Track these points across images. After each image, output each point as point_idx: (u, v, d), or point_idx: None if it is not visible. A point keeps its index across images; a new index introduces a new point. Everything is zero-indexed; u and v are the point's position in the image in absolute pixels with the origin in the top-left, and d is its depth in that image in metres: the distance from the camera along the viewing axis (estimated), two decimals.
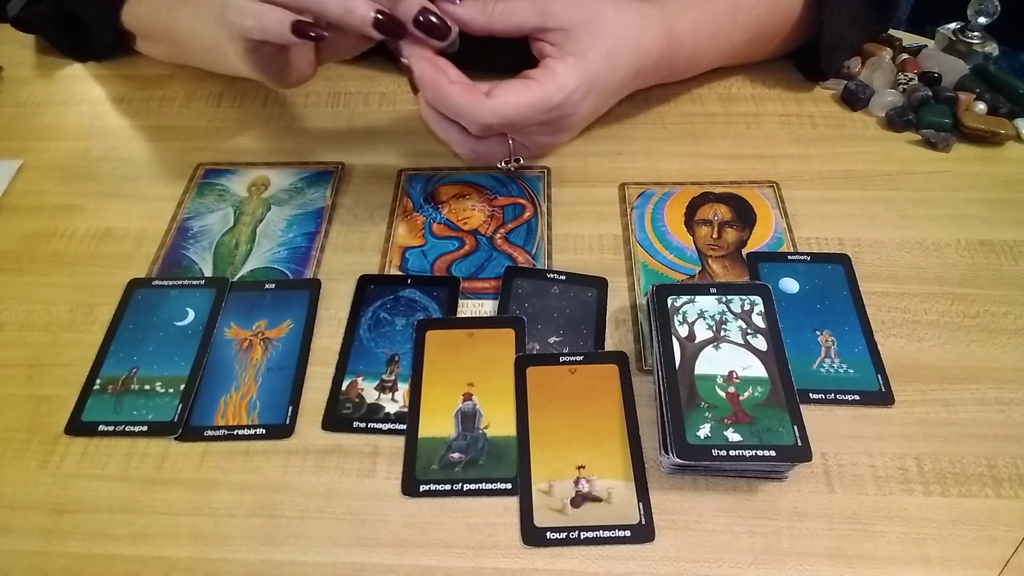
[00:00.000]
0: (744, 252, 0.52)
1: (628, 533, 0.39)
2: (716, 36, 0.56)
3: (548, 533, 0.39)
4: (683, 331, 0.43)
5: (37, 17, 0.67)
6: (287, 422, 0.44)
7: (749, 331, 0.43)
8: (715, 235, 0.53)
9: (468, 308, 0.49)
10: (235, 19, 0.44)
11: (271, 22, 0.44)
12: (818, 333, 0.47)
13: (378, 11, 0.43)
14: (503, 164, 0.53)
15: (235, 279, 0.51)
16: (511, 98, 0.46)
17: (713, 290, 0.45)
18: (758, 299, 0.45)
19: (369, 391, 0.45)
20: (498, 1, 0.47)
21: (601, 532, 0.39)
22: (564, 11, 0.47)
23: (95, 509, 0.41)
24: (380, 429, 0.44)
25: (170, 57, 0.66)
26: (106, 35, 0.65)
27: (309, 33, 0.44)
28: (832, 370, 0.45)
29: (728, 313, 0.44)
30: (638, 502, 0.40)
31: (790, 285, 0.49)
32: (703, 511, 0.40)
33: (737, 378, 0.41)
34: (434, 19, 0.44)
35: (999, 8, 0.62)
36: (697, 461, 0.39)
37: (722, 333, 0.43)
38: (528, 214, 0.55)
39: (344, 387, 0.45)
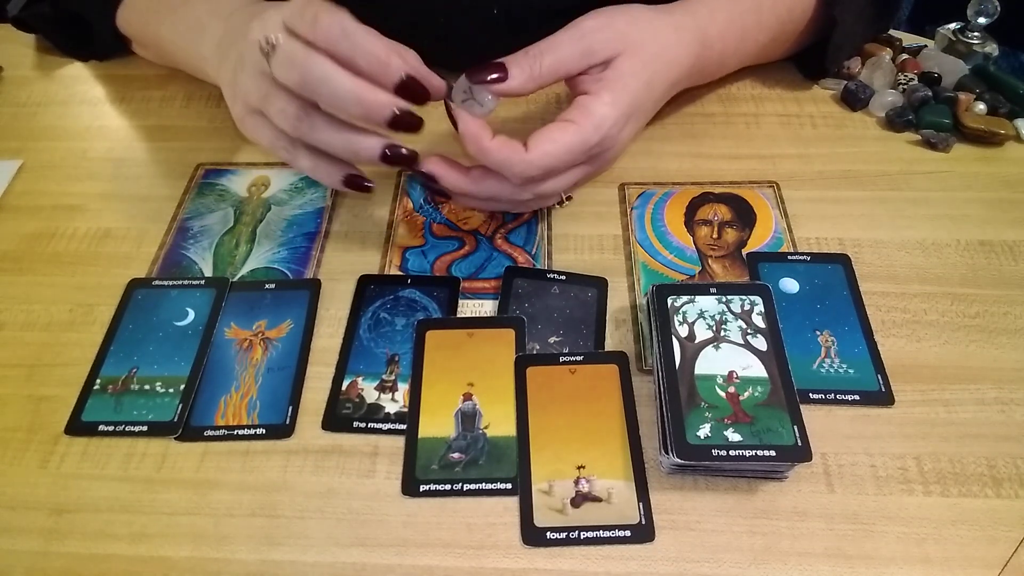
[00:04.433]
0: (744, 252, 0.52)
1: (628, 533, 0.39)
2: (743, 38, 0.56)
3: (548, 533, 0.39)
4: (683, 331, 0.43)
5: (38, 17, 0.67)
6: (287, 422, 0.44)
7: (749, 331, 0.43)
8: (715, 235, 0.53)
9: (468, 308, 0.49)
10: (280, 154, 0.45)
11: (324, 175, 0.45)
12: (818, 333, 0.47)
13: (385, 146, 0.43)
14: (557, 205, 0.54)
15: (235, 279, 0.51)
16: (549, 147, 0.45)
17: (713, 290, 0.45)
18: (758, 299, 0.45)
19: (369, 391, 0.45)
20: (542, 57, 0.45)
21: (601, 532, 0.39)
22: (606, 46, 0.47)
23: (95, 509, 0.41)
24: (380, 429, 0.44)
25: (162, 62, 0.66)
26: (107, 36, 0.65)
27: (363, 185, 0.46)
28: (832, 370, 0.45)
29: (728, 313, 0.44)
30: (638, 502, 0.40)
31: (790, 285, 0.49)
32: (703, 511, 0.40)
33: (737, 378, 0.41)
34: (407, 116, 0.42)
35: (999, 8, 0.62)
36: (697, 461, 0.39)
37: (722, 333, 0.43)
38: (528, 214, 0.55)
39: (344, 387, 0.45)
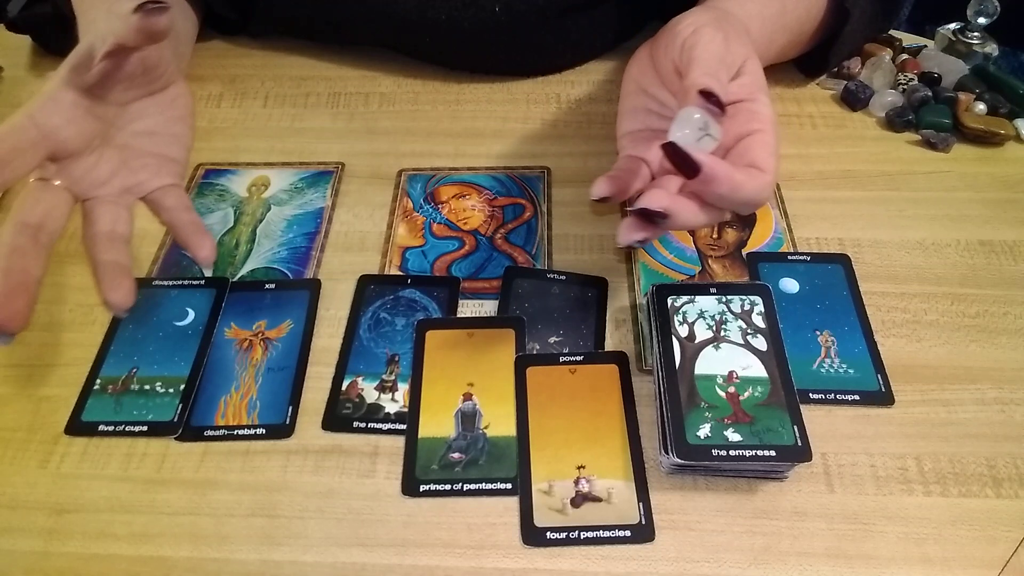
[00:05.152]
0: (744, 252, 0.52)
1: (628, 533, 0.39)
2: (771, 41, 0.54)
3: (548, 533, 0.39)
4: (683, 331, 0.43)
5: (37, 17, 0.67)
6: (287, 422, 0.44)
7: (749, 331, 0.43)
8: (715, 235, 0.53)
9: (468, 308, 0.49)
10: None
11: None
12: (818, 333, 0.47)
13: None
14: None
15: (235, 279, 0.51)
16: (771, 161, 0.39)
17: (713, 290, 0.45)
18: (758, 299, 0.45)
19: (369, 391, 0.45)
20: (716, 72, 0.39)
21: (601, 532, 0.39)
22: (737, 53, 0.42)
23: (95, 509, 0.41)
24: (380, 429, 0.44)
25: None
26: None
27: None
28: (832, 370, 0.45)
29: (728, 313, 0.44)
30: (638, 502, 0.40)
31: (790, 285, 0.49)
32: (703, 511, 0.40)
33: (737, 378, 0.41)
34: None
35: (999, 8, 0.62)
36: (697, 461, 0.39)
37: (722, 333, 0.43)
38: (528, 214, 0.55)
39: (344, 387, 0.45)
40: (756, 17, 0.50)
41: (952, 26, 0.66)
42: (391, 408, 0.44)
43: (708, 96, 0.37)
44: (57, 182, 0.42)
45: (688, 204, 0.38)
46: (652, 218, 0.38)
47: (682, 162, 0.36)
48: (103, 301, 0.40)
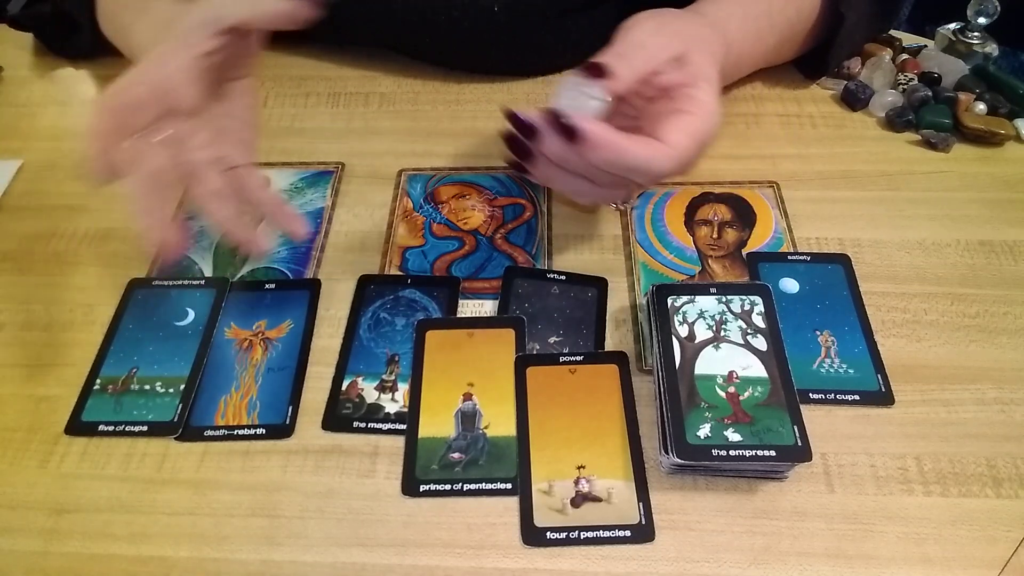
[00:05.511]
0: (744, 252, 0.52)
1: (628, 533, 0.39)
2: (757, 41, 0.56)
3: (548, 533, 0.39)
4: (683, 331, 0.43)
5: (38, 16, 0.67)
6: (287, 422, 0.44)
7: (749, 331, 0.43)
8: (715, 235, 0.53)
9: (468, 308, 0.49)
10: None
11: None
12: (818, 333, 0.47)
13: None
14: (619, 205, 0.53)
15: (235, 279, 0.51)
16: (684, 139, 0.41)
17: (713, 290, 0.45)
18: (758, 299, 0.45)
19: (369, 391, 0.45)
20: (631, 56, 0.43)
21: (601, 532, 0.39)
22: (670, 46, 0.44)
23: (95, 509, 0.41)
24: (380, 429, 0.44)
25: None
26: (90, 34, 0.63)
27: None
28: (832, 370, 0.45)
29: (728, 313, 0.44)
30: (638, 502, 0.40)
31: (790, 285, 0.49)
32: (703, 511, 0.40)
33: (737, 378, 0.41)
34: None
35: (999, 8, 0.62)
36: (697, 461, 0.39)
37: (722, 333, 0.43)
38: (528, 214, 0.55)
39: (344, 387, 0.45)
40: (737, 16, 0.52)
41: (952, 26, 0.66)
42: (391, 408, 0.44)
43: (591, 67, 0.41)
44: (162, 135, 0.43)
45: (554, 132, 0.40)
46: (524, 132, 0.41)
47: (561, 127, 0.40)
48: (244, 254, 0.44)
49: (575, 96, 0.41)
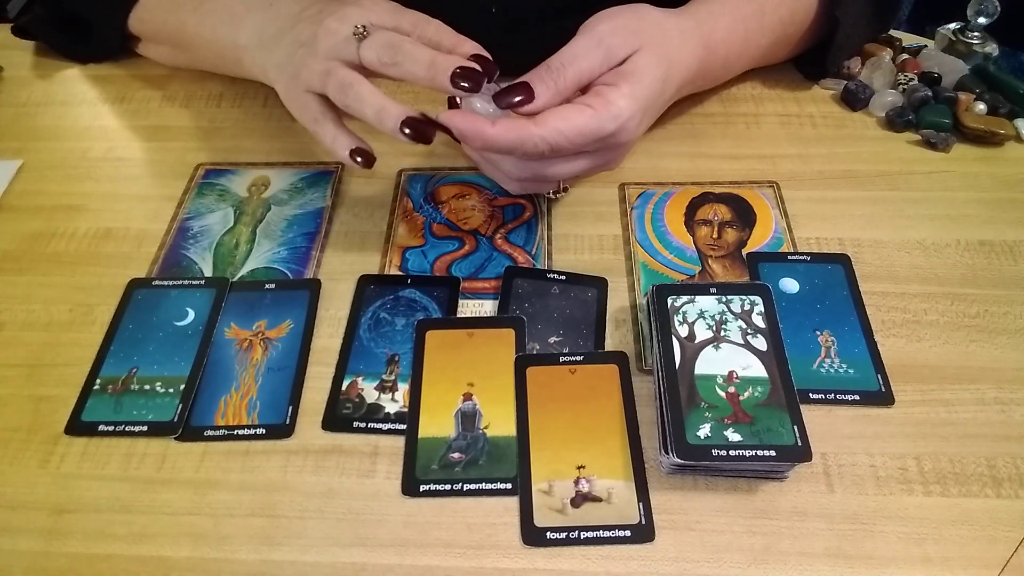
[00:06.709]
0: (744, 252, 0.52)
1: (628, 533, 0.39)
2: (746, 41, 0.56)
3: (548, 533, 0.39)
4: (683, 331, 0.43)
5: (36, 20, 0.67)
6: (287, 422, 0.44)
7: (749, 331, 0.43)
8: (715, 235, 0.53)
9: (468, 308, 0.49)
10: (339, 97, 0.45)
11: (388, 116, 0.44)
12: (818, 333, 0.47)
13: (406, 115, 0.44)
14: (551, 194, 0.54)
15: (235, 279, 0.51)
16: (560, 124, 0.44)
17: (713, 290, 0.45)
18: (758, 299, 0.45)
19: (369, 391, 0.45)
20: (564, 70, 0.45)
21: (601, 532, 0.39)
22: (623, 44, 0.47)
23: (95, 509, 0.41)
24: (380, 429, 0.44)
25: (174, 60, 0.66)
26: (112, 38, 0.65)
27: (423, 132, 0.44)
28: (832, 370, 0.45)
29: (728, 313, 0.44)
30: (638, 502, 0.40)
31: (790, 285, 0.49)
32: (703, 511, 0.40)
33: (737, 378, 0.41)
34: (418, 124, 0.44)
35: (999, 8, 0.62)
36: (697, 461, 0.39)
37: (722, 333, 0.43)
38: (528, 214, 0.55)
39: (344, 387, 0.45)
40: (726, 17, 0.54)
41: (952, 26, 0.66)
42: (391, 408, 0.44)
43: (507, 91, 0.45)
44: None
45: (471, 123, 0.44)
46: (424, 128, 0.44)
47: (442, 127, 0.44)
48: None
49: (485, 101, 0.45)
